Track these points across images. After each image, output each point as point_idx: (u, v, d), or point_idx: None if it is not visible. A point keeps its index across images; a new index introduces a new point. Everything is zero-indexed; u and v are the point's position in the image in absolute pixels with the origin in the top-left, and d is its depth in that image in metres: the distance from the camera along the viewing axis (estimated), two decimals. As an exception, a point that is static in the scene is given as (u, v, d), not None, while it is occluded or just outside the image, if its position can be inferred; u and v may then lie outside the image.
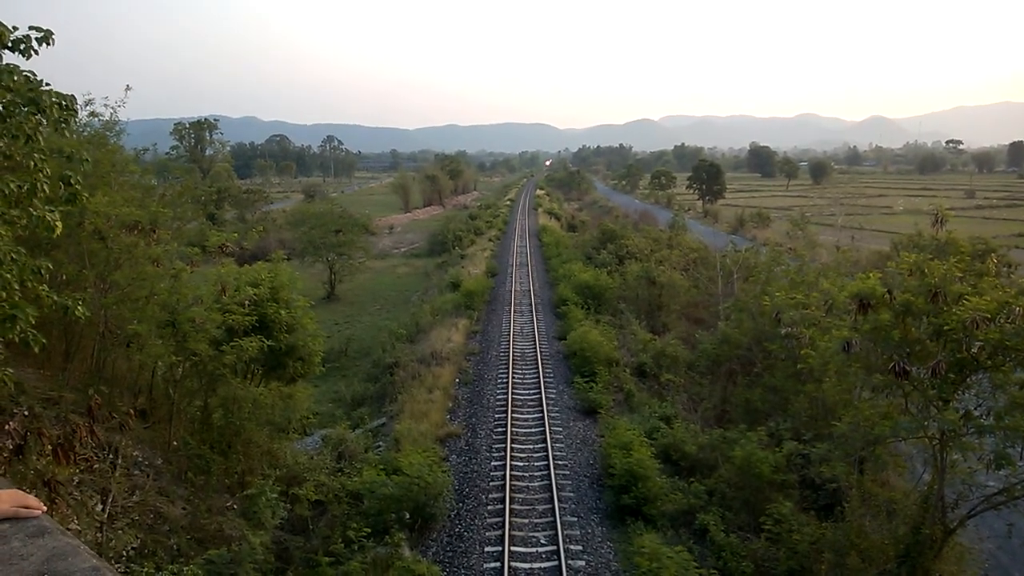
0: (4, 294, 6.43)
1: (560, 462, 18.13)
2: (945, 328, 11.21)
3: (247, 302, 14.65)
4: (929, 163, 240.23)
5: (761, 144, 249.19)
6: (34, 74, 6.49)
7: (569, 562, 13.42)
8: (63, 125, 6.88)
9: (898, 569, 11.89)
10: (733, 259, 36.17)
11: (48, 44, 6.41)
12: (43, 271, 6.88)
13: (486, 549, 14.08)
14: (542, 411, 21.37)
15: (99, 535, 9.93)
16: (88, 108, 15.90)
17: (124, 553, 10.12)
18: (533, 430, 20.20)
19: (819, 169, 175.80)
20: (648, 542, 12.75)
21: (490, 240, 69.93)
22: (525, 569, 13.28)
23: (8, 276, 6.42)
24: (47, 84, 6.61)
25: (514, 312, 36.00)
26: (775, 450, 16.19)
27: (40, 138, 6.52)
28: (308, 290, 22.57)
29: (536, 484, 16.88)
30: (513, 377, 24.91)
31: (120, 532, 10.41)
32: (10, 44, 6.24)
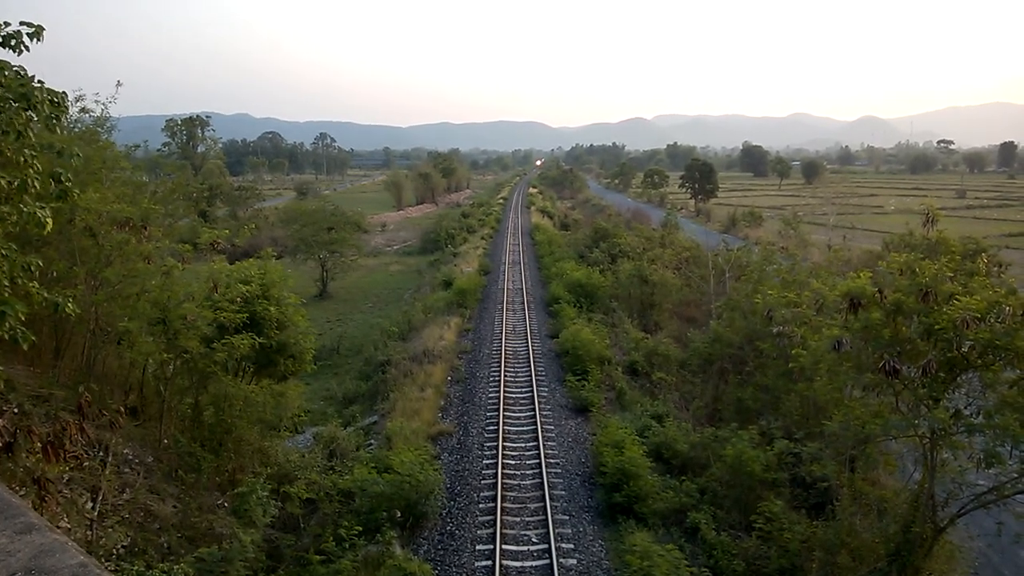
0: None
1: (552, 460, 18.15)
2: (936, 327, 11.26)
3: (238, 299, 14.61)
4: (920, 163, 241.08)
5: (754, 143, 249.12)
6: (24, 70, 6.45)
7: (560, 560, 13.43)
8: (54, 121, 6.85)
9: (888, 567, 11.94)
10: (725, 258, 36.31)
11: (39, 40, 6.38)
12: (33, 268, 6.84)
13: (477, 547, 14.09)
14: (534, 409, 21.38)
15: (89, 533, 9.89)
16: (79, 104, 15.86)
17: (114, 551, 10.08)
18: (525, 428, 20.21)
19: (811, 169, 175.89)
20: (639, 540, 12.79)
21: (483, 238, 69.79)
22: (516, 567, 13.29)
23: (-2, 273, 6.38)
24: (38, 80, 6.58)
25: (506, 310, 35.98)
26: (766, 449, 16.23)
27: (31, 134, 6.50)
28: (300, 288, 22.50)
29: (528, 482, 16.89)
30: (505, 375, 24.91)
31: (110, 530, 10.37)
32: (0, 40, 6.21)
